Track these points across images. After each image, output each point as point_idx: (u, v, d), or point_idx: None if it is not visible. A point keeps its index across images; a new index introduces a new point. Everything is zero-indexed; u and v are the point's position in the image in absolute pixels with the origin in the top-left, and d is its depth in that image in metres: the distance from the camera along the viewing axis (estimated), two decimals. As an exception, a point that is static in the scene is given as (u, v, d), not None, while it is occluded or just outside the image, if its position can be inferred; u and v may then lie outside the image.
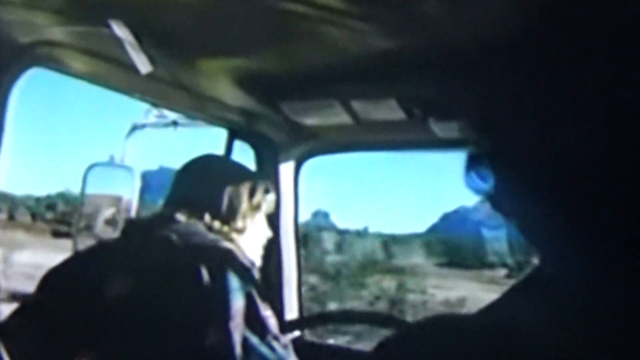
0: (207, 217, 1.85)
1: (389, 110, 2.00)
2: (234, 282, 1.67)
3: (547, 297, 0.64)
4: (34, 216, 16.67)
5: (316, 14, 1.55)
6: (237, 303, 1.65)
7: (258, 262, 1.96)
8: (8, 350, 1.56)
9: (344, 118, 2.11)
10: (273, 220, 2.44)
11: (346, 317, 2.49)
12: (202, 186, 1.93)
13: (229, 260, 1.72)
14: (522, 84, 0.70)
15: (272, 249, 2.48)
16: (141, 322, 1.64)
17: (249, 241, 1.95)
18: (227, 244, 1.79)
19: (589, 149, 0.58)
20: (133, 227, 1.94)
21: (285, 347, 1.73)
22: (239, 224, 1.91)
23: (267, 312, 1.71)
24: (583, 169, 0.59)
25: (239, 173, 2.03)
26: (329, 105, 2.06)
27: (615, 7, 0.58)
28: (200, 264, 1.67)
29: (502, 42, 1.57)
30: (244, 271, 1.72)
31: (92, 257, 1.85)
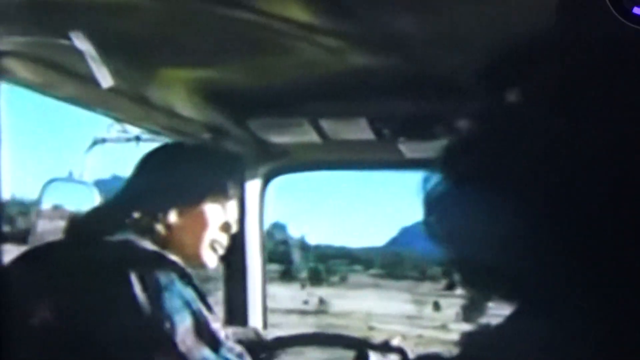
0: (136, 214, 1.69)
1: (359, 130, 1.98)
2: (176, 301, 1.55)
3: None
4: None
5: (287, 29, 1.51)
6: (185, 323, 1.54)
7: (212, 263, 1.82)
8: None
9: (313, 136, 2.07)
10: (238, 238, 2.42)
11: (316, 340, 2.45)
12: (141, 180, 1.80)
13: (166, 273, 1.58)
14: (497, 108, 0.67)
15: (237, 266, 2.47)
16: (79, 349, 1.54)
17: (191, 237, 1.76)
18: (159, 252, 1.64)
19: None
20: (71, 234, 1.76)
21: (240, 356, 1.65)
22: (172, 217, 1.73)
23: (216, 325, 1.62)
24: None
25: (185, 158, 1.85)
26: (298, 124, 2.02)
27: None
28: (133, 284, 1.53)
29: (478, 62, 1.55)
30: (186, 283, 1.59)
31: (21, 272, 1.68)
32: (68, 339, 1.54)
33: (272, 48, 1.66)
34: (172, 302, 1.54)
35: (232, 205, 1.85)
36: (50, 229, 2.17)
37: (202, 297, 1.61)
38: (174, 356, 1.52)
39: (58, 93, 1.95)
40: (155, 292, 1.53)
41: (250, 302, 2.48)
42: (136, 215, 1.69)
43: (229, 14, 1.45)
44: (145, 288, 1.53)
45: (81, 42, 1.50)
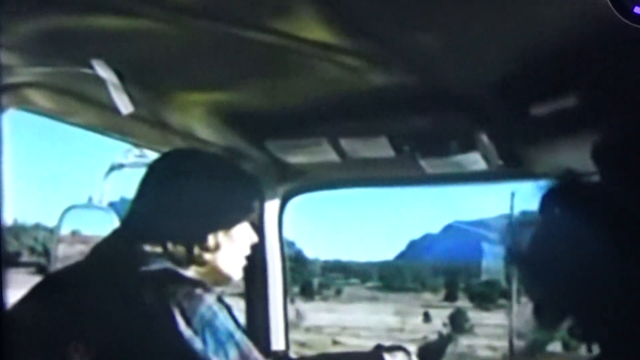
0: (170, 245, 1.62)
1: (379, 148, 1.97)
2: (221, 334, 1.52)
3: None
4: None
5: (305, 49, 1.51)
6: (232, 356, 1.51)
7: (238, 274, 1.78)
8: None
9: (332, 156, 2.06)
10: (257, 258, 2.42)
11: None
12: (162, 197, 1.68)
13: (209, 306, 1.53)
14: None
15: (258, 286, 2.46)
16: None
17: (228, 256, 1.71)
18: (200, 282, 1.58)
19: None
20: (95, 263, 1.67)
21: None
22: (210, 241, 1.67)
23: (256, 354, 1.59)
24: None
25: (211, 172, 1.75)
26: (317, 143, 2.01)
27: None
28: (177, 319, 1.48)
29: (497, 80, 1.54)
30: (227, 313, 1.56)
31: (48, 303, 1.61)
32: None
33: (289, 68, 1.65)
34: (217, 335, 1.51)
35: (255, 224, 1.82)
36: (70, 255, 2.17)
37: (240, 326, 1.59)
38: None
39: (77, 120, 1.96)
40: (200, 327, 1.49)
41: (272, 322, 2.47)
42: (171, 242, 1.62)
43: (246, 35, 1.45)
44: (189, 325, 1.48)
45: (102, 70, 1.51)
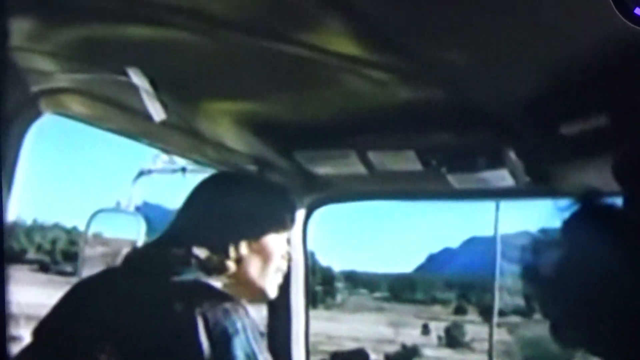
0: (196, 252, 1.63)
1: (406, 161, 1.97)
2: (239, 353, 1.50)
3: None
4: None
5: (334, 62, 1.52)
6: None
7: (274, 292, 1.80)
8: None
9: (359, 168, 2.06)
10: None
11: None
12: (197, 211, 1.73)
13: (233, 322, 1.52)
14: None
15: (281, 297, 2.47)
16: None
17: (256, 270, 1.73)
18: (229, 297, 1.58)
19: None
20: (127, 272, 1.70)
21: None
22: (235, 252, 1.68)
23: None
24: None
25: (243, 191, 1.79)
26: (345, 155, 2.02)
27: None
28: (199, 331, 1.48)
29: (526, 96, 1.54)
30: (252, 332, 1.54)
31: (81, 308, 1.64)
32: None
33: (319, 81, 1.66)
34: (235, 353, 1.50)
35: (288, 234, 1.83)
36: (97, 260, 2.20)
37: (263, 347, 1.57)
38: None
39: (109, 126, 1.98)
40: (220, 341, 1.49)
41: (293, 332, 2.48)
42: (203, 252, 1.63)
43: (275, 47, 1.46)
44: (210, 337, 1.48)
45: (137, 78, 1.53)
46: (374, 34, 1.39)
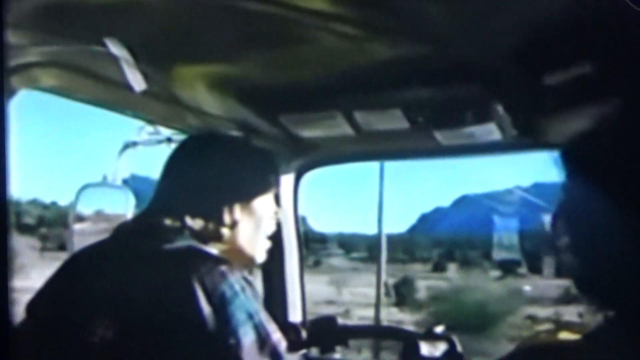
0: (188, 220, 1.62)
1: (393, 120, 1.95)
2: (240, 314, 1.50)
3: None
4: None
5: (308, 19, 1.50)
6: (249, 338, 1.49)
7: (262, 256, 1.80)
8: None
9: (346, 129, 2.05)
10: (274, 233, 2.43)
11: (368, 333, 2.46)
12: (183, 178, 1.71)
13: (231, 285, 1.51)
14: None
15: (275, 260, 2.48)
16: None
17: (247, 234, 1.72)
18: (224, 261, 1.57)
19: None
20: (117, 242, 1.68)
21: None
22: (226, 218, 1.68)
23: (277, 336, 1.56)
24: None
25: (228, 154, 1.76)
26: (331, 117, 2.01)
27: None
28: (199, 297, 1.47)
29: (510, 49, 1.52)
30: (249, 293, 1.54)
31: (75, 282, 1.62)
32: (127, 356, 1.49)
33: (294, 40, 1.63)
34: (236, 315, 1.49)
35: (274, 196, 1.82)
36: (87, 234, 2.18)
37: (262, 307, 1.58)
38: None
39: (90, 98, 1.96)
40: (220, 305, 1.48)
41: (289, 295, 2.49)
42: (194, 218, 1.63)
43: (248, 6, 1.44)
44: (210, 301, 1.47)
45: (115, 48, 1.50)
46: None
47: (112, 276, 1.55)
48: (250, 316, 1.51)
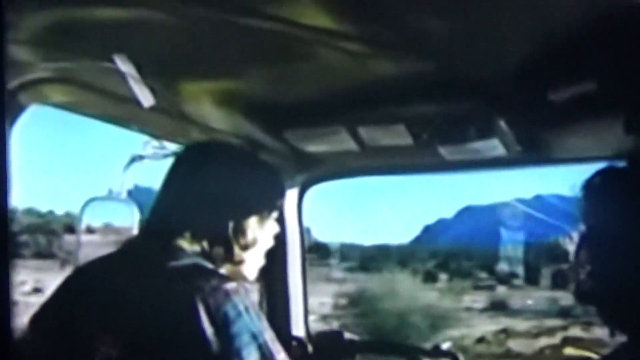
0: (204, 244, 1.61)
1: (397, 136, 1.96)
2: (243, 335, 1.48)
3: None
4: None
5: (309, 35, 1.50)
6: (252, 359, 1.48)
7: (254, 274, 1.76)
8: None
9: (350, 144, 2.06)
10: (277, 247, 2.43)
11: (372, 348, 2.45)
12: (192, 189, 1.65)
13: (234, 305, 1.49)
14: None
15: (278, 275, 2.48)
16: None
17: (257, 255, 1.73)
18: (228, 280, 1.54)
19: None
20: (124, 259, 1.66)
21: None
22: (249, 237, 1.67)
23: (281, 356, 1.54)
24: None
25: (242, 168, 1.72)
26: (335, 132, 2.01)
27: None
28: (201, 317, 1.45)
29: (514, 64, 1.53)
30: (252, 313, 1.52)
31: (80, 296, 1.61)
32: None
33: (296, 56, 1.64)
34: (240, 336, 1.47)
35: (276, 214, 1.80)
36: (92, 248, 2.19)
37: (266, 325, 1.55)
38: None
39: (97, 113, 1.97)
40: (223, 326, 1.46)
41: (292, 308, 2.49)
42: (205, 241, 1.61)
43: (250, 23, 1.44)
44: (212, 322, 1.45)
45: (123, 64, 1.52)
46: (348, 4, 1.38)
47: (116, 292, 1.53)
48: (255, 337, 1.49)
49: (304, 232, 2.52)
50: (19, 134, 1.66)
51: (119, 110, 1.92)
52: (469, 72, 1.66)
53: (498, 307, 17.74)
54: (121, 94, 1.76)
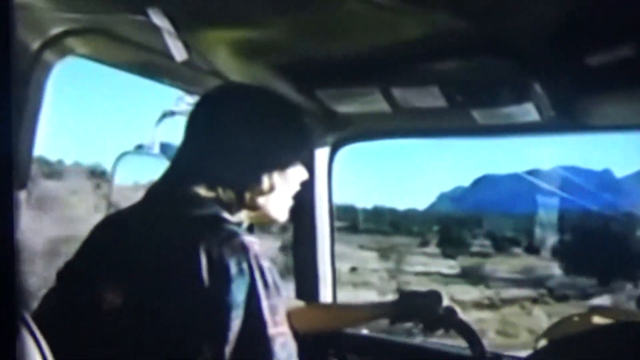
0: (220, 190, 1.55)
1: (430, 98, 1.94)
2: (237, 295, 1.41)
3: None
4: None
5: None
6: (236, 323, 1.40)
7: (285, 216, 1.69)
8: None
9: (383, 106, 2.04)
10: (307, 207, 2.44)
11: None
12: (216, 136, 1.58)
13: (239, 262, 1.43)
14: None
15: (307, 238, 2.49)
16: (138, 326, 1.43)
17: (279, 198, 1.64)
18: (243, 240, 1.46)
19: None
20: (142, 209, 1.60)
21: None
22: (265, 186, 1.60)
23: (277, 330, 1.44)
24: None
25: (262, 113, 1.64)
26: (368, 93, 2.00)
27: None
28: (202, 267, 1.40)
29: (551, 28, 1.50)
30: (257, 276, 1.44)
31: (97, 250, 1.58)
32: (129, 318, 1.45)
33: (340, 18, 1.63)
34: (233, 295, 1.40)
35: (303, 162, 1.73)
36: (124, 203, 2.21)
37: (271, 294, 1.45)
38: (219, 355, 1.40)
39: (130, 67, 1.98)
40: (223, 281, 1.40)
41: (320, 269, 2.51)
42: (222, 187, 1.55)
43: None
44: (212, 274, 1.39)
45: (157, 18, 1.51)
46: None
47: (131, 242, 1.51)
48: (249, 300, 1.42)
49: (332, 192, 2.52)
50: (54, 83, 1.67)
51: (151, 63, 1.92)
52: (505, 34, 1.63)
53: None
54: (155, 48, 1.75)
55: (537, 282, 16.77)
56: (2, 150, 0.56)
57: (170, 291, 1.42)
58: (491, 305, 15.27)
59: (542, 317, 13.51)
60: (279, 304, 1.47)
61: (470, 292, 15.61)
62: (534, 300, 15.41)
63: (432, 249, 20.68)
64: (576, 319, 2.06)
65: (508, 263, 18.58)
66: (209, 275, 1.39)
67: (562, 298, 15.60)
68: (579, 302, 14.81)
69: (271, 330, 1.43)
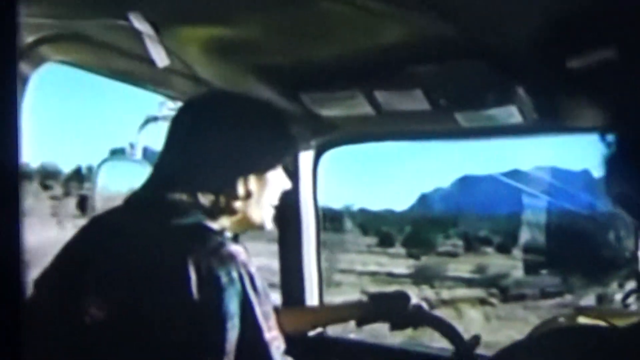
0: (200, 195, 1.52)
1: (414, 101, 1.95)
2: (231, 305, 1.40)
3: None
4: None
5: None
6: (234, 333, 1.39)
7: (269, 224, 1.69)
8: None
9: (367, 109, 2.04)
10: (292, 211, 2.44)
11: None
12: (195, 143, 1.57)
13: (228, 271, 1.41)
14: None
15: (293, 239, 2.49)
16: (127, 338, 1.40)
17: (259, 204, 1.62)
18: (230, 249, 1.44)
19: None
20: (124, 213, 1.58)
21: None
22: (240, 190, 1.58)
23: (270, 335, 1.45)
24: None
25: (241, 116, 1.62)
26: (352, 96, 2.00)
27: None
28: (191, 279, 1.37)
29: (533, 31, 1.51)
30: (247, 283, 1.43)
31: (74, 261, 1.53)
32: (114, 333, 1.41)
33: (325, 22, 1.63)
34: (227, 306, 1.39)
35: (288, 168, 1.75)
36: (106, 208, 2.20)
37: (260, 298, 1.45)
38: None
39: (112, 72, 1.97)
40: (213, 292, 1.38)
41: (305, 273, 2.50)
42: (206, 193, 1.54)
43: None
44: (202, 286, 1.37)
45: (138, 22, 1.50)
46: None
47: (114, 252, 1.46)
48: (243, 309, 1.41)
49: (317, 195, 2.52)
50: (32, 92, 1.66)
51: (133, 69, 1.90)
52: (488, 37, 1.64)
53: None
54: (136, 53, 1.74)
55: (491, 281, 16.82)
56: (9, 157, 0.56)
57: (160, 305, 1.39)
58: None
59: (477, 319, 13.56)
60: (270, 309, 1.47)
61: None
62: (482, 301, 15.42)
63: (397, 249, 20.78)
64: (561, 319, 2.07)
65: (472, 263, 18.67)
66: (199, 288, 1.37)
67: (516, 298, 15.60)
68: (534, 302, 14.86)
69: (266, 335, 1.44)
